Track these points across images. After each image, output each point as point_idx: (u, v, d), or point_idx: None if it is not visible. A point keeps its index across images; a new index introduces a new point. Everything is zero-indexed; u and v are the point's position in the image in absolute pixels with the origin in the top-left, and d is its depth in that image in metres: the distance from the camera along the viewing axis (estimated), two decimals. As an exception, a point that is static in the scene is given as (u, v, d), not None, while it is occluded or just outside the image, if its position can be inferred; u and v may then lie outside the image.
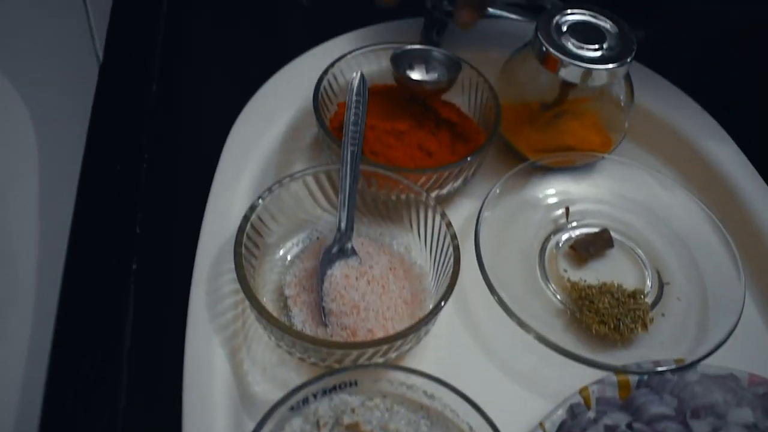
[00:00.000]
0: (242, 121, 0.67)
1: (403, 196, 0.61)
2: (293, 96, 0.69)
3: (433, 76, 0.69)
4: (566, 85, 0.65)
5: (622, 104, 0.67)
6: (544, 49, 0.63)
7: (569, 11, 0.65)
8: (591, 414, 0.52)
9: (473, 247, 0.59)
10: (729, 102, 0.78)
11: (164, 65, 0.74)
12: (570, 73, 0.63)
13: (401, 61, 0.68)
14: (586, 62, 0.62)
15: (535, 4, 0.82)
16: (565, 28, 0.64)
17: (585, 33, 0.64)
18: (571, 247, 0.64)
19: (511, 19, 0.79)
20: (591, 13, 0.66)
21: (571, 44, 0.63)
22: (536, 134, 0.68)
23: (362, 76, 0.60)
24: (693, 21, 0.92)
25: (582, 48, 0.63)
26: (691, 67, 0.86)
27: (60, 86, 0.50)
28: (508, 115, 0.68)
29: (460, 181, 0.65)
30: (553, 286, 0.62)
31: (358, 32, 0.76)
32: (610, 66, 0.62)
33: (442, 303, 0.53)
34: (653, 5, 0.92)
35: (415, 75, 0.68)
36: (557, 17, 0.65)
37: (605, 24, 0.65)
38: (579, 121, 0.68)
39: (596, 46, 0.63)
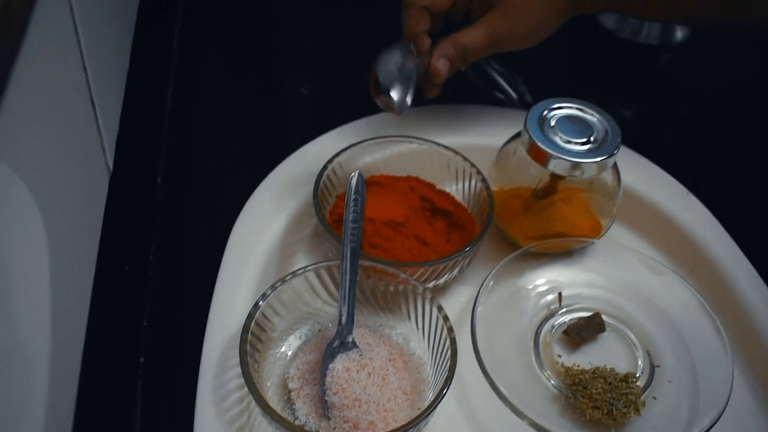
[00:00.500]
0: (245, 215, 0.70)
1: (401, 288, 0.63)
2: (294, 188, 0.72)
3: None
4: (556, 177, 0.68)
5: (611, 191, 0.70)
6: (533, 143, 0.66)
7: (556, 105, 0.69)
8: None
9: (470, 332, 0.62)
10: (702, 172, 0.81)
11: (169, 164, 0.77)
12: (559, 166, 0.66)
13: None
14: (574, 156, 0.65)
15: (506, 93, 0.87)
16: (553, 123, 0.67)
17: (572, 127, 0.67)
18: (564, 332, 0.67)
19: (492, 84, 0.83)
20: (578, 106, 0.69)
21: (559, 138, 0.66)
22: (529, 222, 0.71)
23: (360, 175, 0.63)
24: (673, 95, 0.96)
25: (570, 142, 0.66)
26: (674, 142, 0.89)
27: (74, 195, 0.53)
28: (501, 203, 0.71)
29: (456, 271, 0.67)
30: (547, 371, 0.64)
31: (356, 123, 0.79)
32: (598, 159, 0.65)
33: (443, 394, 0.55)
34: (636, 85, 0.96)
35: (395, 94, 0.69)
36: (545, 111, 0.68)
37: (591, 117, 0.68)
38: (570, 207, 0.71)
39: (584, 140, 0.66)
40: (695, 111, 0.94)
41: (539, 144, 0.66)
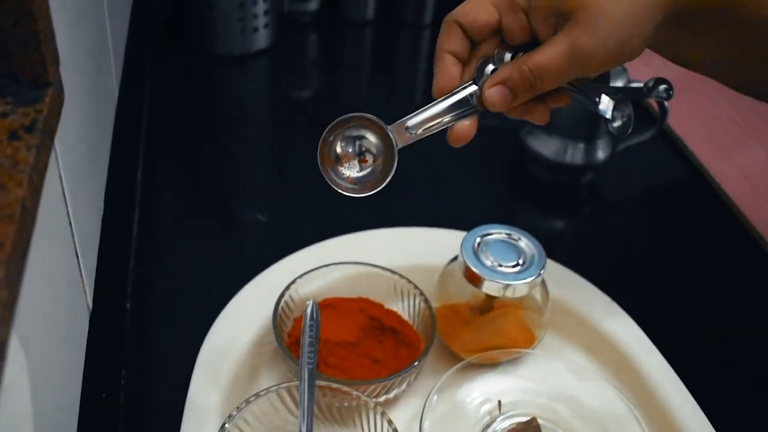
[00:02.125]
0: (210, 339, 0.76)
1: (354, 404, 0.70)
2: (254, 312, 0.79)
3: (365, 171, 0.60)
4: (490, 297, 0.76)
5: (540, 305, 0.78)
6: (468, 267, 0.74)
7: (488, 231, 0.77)
8: None
9: (419, 442, 0.68)
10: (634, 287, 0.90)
11: (136, 293, 0.84)
12: (491, 287, 0.74)
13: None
14: (505, 278, 0.73)
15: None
16: (485, 248, 0.76)
17: (503, 251, 0.76)
18: (505, 437, 0.74)
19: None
20: (507, 231, 0.77)
21: (491, 262, 0.75)
22: (469, 336, 0.78)
23: (314, 303, 0.70)
24: (597, 210, 1.06)
25: (501, 265, 0.74)
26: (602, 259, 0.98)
27: (56, 334, 0.59)
28: (443, 318, 0.79)
29: (404, 385, 0.74)
30: (490, 475, 0.71)
31: (309, 249, 0.86)
32: (527, 280, 0.74)
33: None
34: (564, 202, 1.06)
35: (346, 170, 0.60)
36: (478, 238, 0.76)
37: (519, 242, 0.77)
38: (505, 322, 0.78)
39: (513, 263, 0.75)
40: (617, 224, 1.04)
41: (473, 268, 0.74)
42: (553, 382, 0.78)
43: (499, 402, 0.76)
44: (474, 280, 0.75)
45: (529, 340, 0.79)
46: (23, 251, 0.38)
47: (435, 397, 0.72)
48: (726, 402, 0.80)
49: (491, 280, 0.73)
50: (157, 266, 0.90)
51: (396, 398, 0.76)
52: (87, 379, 0.63)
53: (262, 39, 1.30)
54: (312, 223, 0.94)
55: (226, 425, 0.65)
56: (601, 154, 1.03)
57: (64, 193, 0.57)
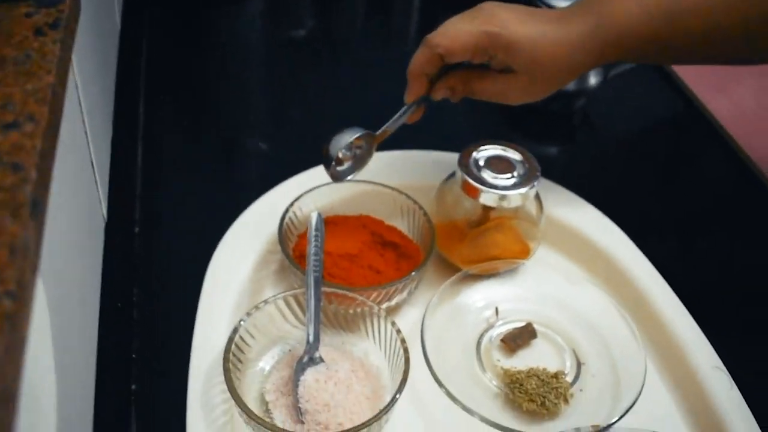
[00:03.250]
0: (218, 256, 0.79)
1: (359, 310, 0.73)
2: (258, 230, 0.82)
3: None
4: (487, 208, 0.79)
5: (535, 218, 0.81)
6: (466, 180, 0.77)
7: (483, 146, 0.80)
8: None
9: (421, 346, 0.72)
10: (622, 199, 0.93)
11: (145, 215, 0.87)
12: (488, 198, 0.77)
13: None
14: (501, 189, 0.77)
15: None
16: (482, 162, 0.79)
17: (498, 165, 0.79)
18: (502, 340, 0.77)
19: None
20: (502, 146, 0.80)
21: (487, 175, 0.78)
22: (466, 248, 0.81)
23: (319, 215, 0.74)
24: (589, 134, 1.09)
25: (497, 177, 0.78)
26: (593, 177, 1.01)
27: (78, 233, 0.62)
28: (441, 233, 0.82)
29: (405, 293, 0.78)
30: (489, 374, 0.74)
31: (309, 172, 0.89)
32: (521, 190, 0.77)
33: (396, 396, 0.65)
34: (558, 127, 1.09)
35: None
36: (474, 152, 0.79)
37: (514, 155, 0.80)
38: (501, 234, 0.82)
39: (509, 175, 0.78)
40: (609, 149, 1.07)
41: (470, 181, 0.77)
42: (548, 290, 0.81)
43: (497, 309, 0.80)
44: (471, 192, 0.78)
45: (524, 252, 0.83)
46: (55, 131, 0.41)
47: (436, 300, 0.75)
48: (711, 303, 0.84)
49: (487, 191, 0.77)
50: (163, 191, 0.93)
51: (397, 307, 0.79)
52: (104, 288, 0.67)
53: (257, -22, 1.31)
54: (312, 150, 0.96)
55: (239, 329, 0.69)
56: (593, 80, 1.05)
57: (80, 100, 0.60)
